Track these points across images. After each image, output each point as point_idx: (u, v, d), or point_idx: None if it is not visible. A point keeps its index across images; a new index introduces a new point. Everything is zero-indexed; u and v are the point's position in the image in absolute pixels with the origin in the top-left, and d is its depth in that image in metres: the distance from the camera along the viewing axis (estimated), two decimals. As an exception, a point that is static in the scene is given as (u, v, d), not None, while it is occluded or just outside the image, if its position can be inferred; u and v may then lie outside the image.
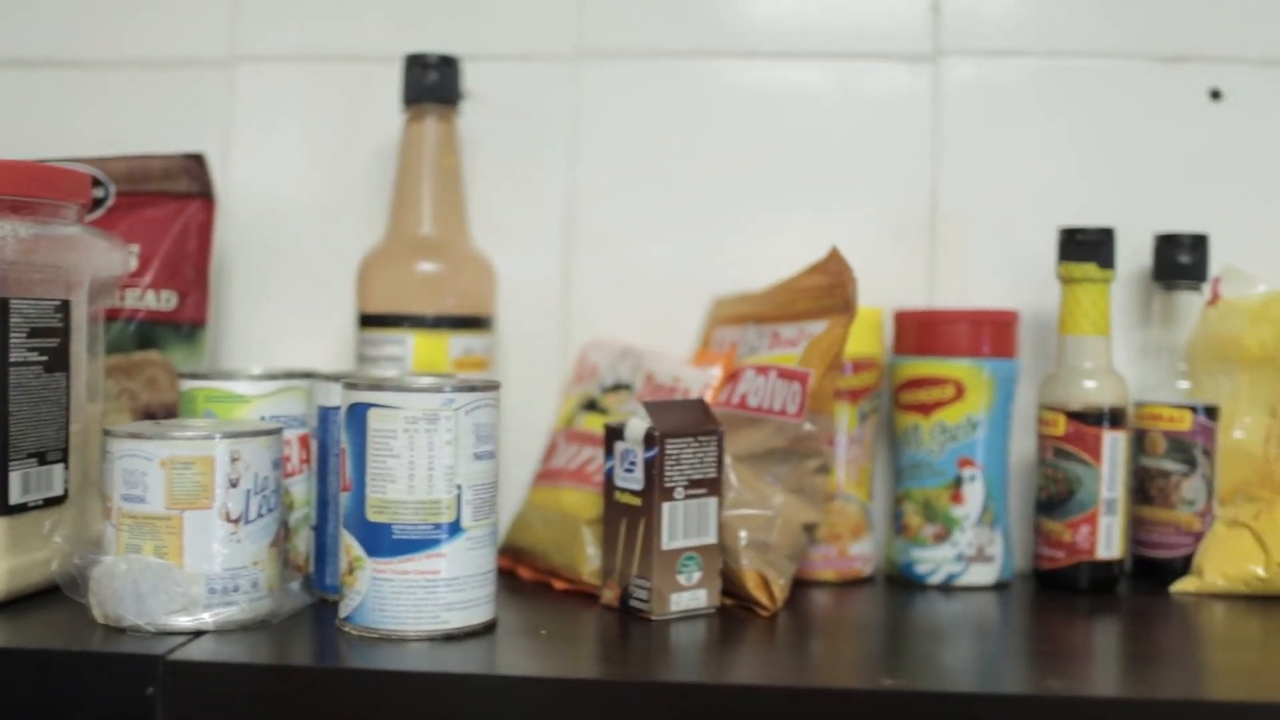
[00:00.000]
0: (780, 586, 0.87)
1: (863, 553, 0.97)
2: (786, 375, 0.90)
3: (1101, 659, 0.82)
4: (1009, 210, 1.04)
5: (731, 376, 0.93)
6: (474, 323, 0.97)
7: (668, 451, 0.83)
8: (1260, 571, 0.93)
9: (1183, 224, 1.01)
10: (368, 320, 0.97)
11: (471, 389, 0.79)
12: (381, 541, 0.78)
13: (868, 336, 0.97)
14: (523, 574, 0.96)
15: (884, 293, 1.03)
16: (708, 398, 0.93)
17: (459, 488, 0.78)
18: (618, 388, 0.98)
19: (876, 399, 0.98)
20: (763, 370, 0.91)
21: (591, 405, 0.98)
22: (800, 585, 0.95)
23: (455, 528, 0.78)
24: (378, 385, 0.79)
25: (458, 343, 0.96)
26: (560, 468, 0.96)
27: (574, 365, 1.03)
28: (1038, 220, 1.01)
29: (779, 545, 0.88)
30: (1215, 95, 1.05)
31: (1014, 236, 1.03)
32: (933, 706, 0.70)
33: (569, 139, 1.07)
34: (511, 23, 1.07)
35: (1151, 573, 0.98)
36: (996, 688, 0.74)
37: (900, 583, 0.97)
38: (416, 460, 0.77)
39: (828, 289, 0.91)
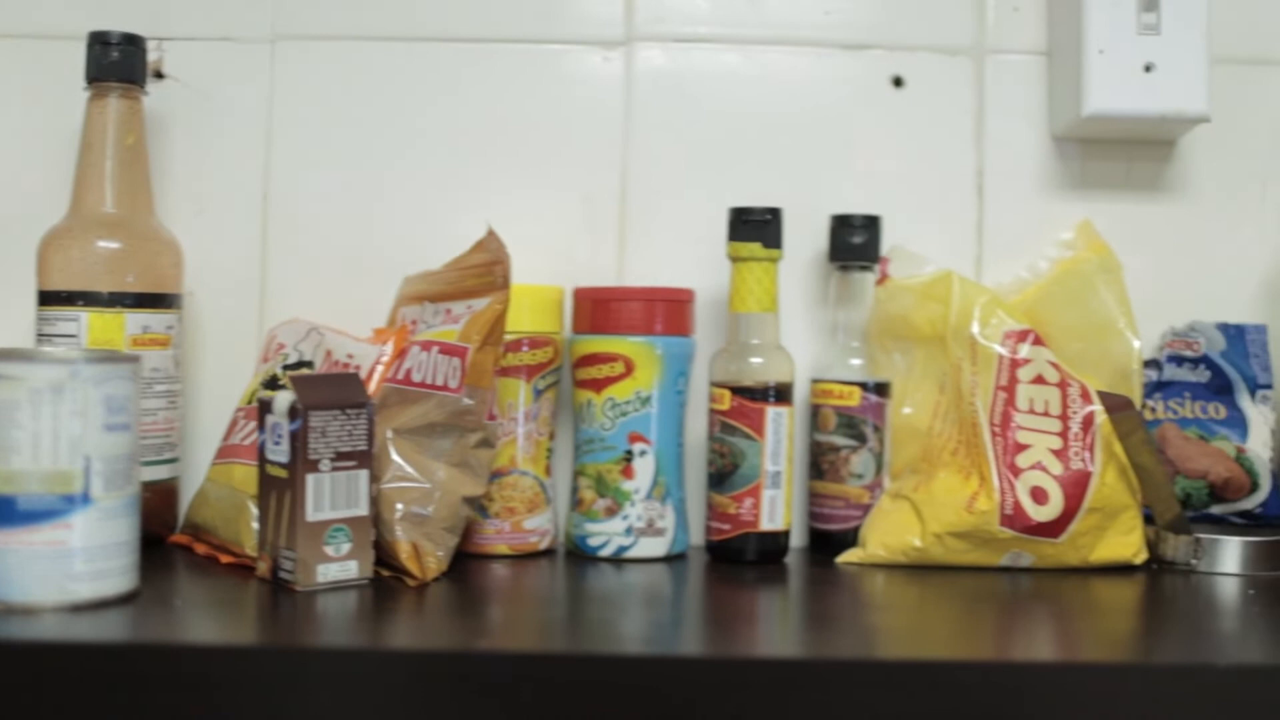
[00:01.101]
0: (437, 558, 0.89)
1: (539, 526, 0.99)
2: (447, 350, 0.91)
3: (762, 624, 0.84)
4: (697, 192, 1.06)
5: (400, 353, 0.95)
6: (154, 300, 0.97)
7: (312, 424, 0.84)
8: (917, 542, 0.96)
9: (866, 206, 1.04)
10: (46, 298, 0.97)
11: (102, 360, 0.79)
12: (7, 513, 0.78)
13: (546, 314, 0.99)
14: (198, 549, 0.96)
15: (576, 272, 1.05)
16: (378, 374, 0.94)
17: (87, 459, 0.78)
18: (299, 365, 0.98)
19: (553, 375, 1.00)
20: (426, 346, 0.93)
21: (272, 383, 0.98)
22: (474, 558, 0.97)
23: (85, 499, 0.78)
24: (2, 356, 0.79)
25: (135, 320, 0.96)
26: (236, 444, 0.96)
27: (263, 344, 1.03)
28: (723, 202, 1.03)
29: (437, 518, 0.89)
30: (898, 82, 1.08)
31: (701, 217, 1.05)
32: (582, 669, 0.71)
33: (265, 120, 1.07)
34: (209, 5, 1.07)
35: (825, 545, 1.01)
36: (637, 650, 0.75)
37: (576, 556, 0.99)
38: (41, 431, 0.78)
39: (487, 266, 0.92)
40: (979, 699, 0.70)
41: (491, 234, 0.93)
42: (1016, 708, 0.70)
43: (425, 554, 0.88)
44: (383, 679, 0.71)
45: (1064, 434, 0.96)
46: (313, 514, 0.85)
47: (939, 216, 1.07)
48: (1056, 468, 0.95)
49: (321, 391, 0.86)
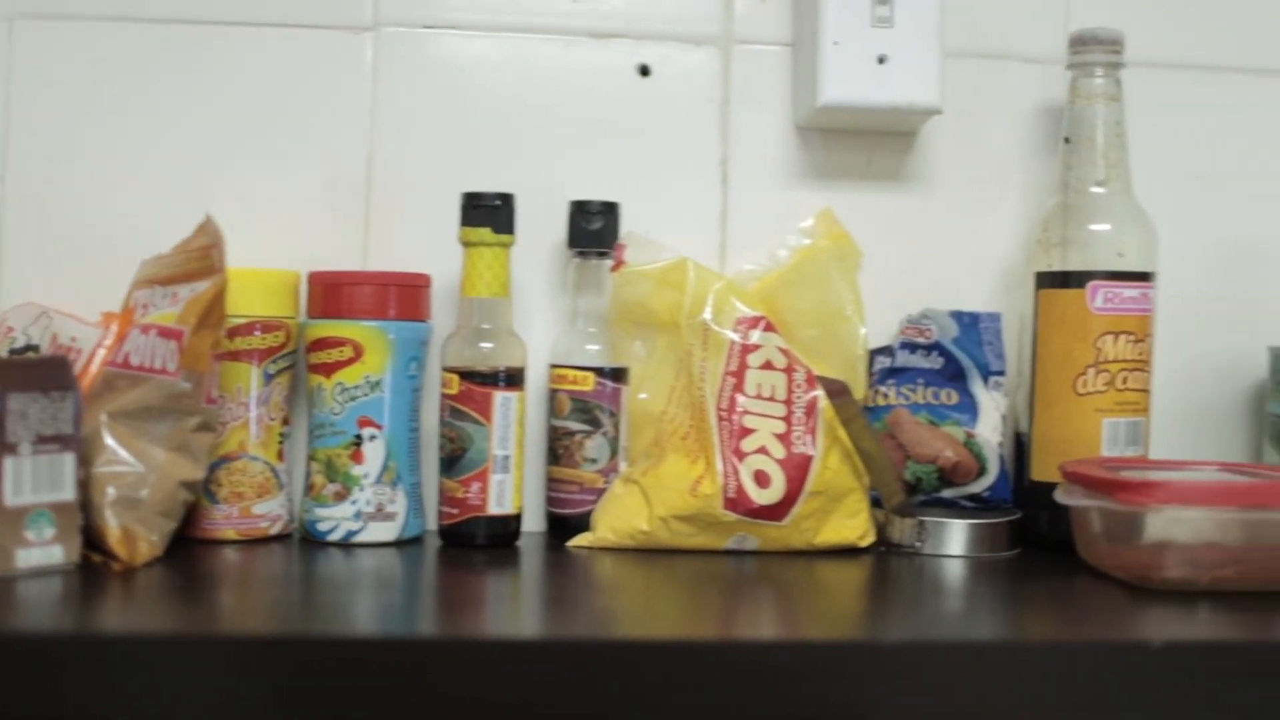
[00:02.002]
0: (150, 543, 0.88)
1: (269, 512, 0.98)
2: (164, 334, 0.91)
3: (484, 606, 0.85)
4: (445, 178, 1.05)
5: (122, 336, 0.94)
6: (-126, 283, 0.95)
7: (10, 407, 0.83)
8: (644, 526, 0.97)
9: (613, 194, 1.05)
10: None
11: None
12: None
13: (279, 298, 0.99)
14: (-85, 536, 0.94)
15: (321, 256, 1.04)
16: (100, 357, 0.93)
17: None
18: (27, 349, 0.97)
19: (286, 360, 0.99)
20: (145, 329, 0.92)
21: (-3, 366, 0.97)
22: (201, 544, 0.96)
23: None
24: None
25: None
26: (-44, 429, 0.95)
27: (-6, 328, 1.02)
28: (471, 188, 1.03)
29: (152, 501, 0.89)
30: (644, 71, 1.08)
31: (448, 203, 1.04)
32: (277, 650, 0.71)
33: (2, 101, 1.05)
34: (-57, -19, 1.05)
35: (562, 529, 1.01)
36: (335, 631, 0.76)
37: (308, 541, 0.99)
38: None
39: (205, 250, 0.92)
40: (702, 677, 0.71)
41: (209, 219, 0.92)
42: (739, 685, 0.71)
43: (137, 538, 0.88)
44: (77, 664, 0.70)
45: (788, 418, 0.97)
46: (11, 498, 0.84)
47: (684, 205, 1.08)
48: (779, 452, 0.97)
49: (22, 374, 0.85)
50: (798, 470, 0.96)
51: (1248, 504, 0.87)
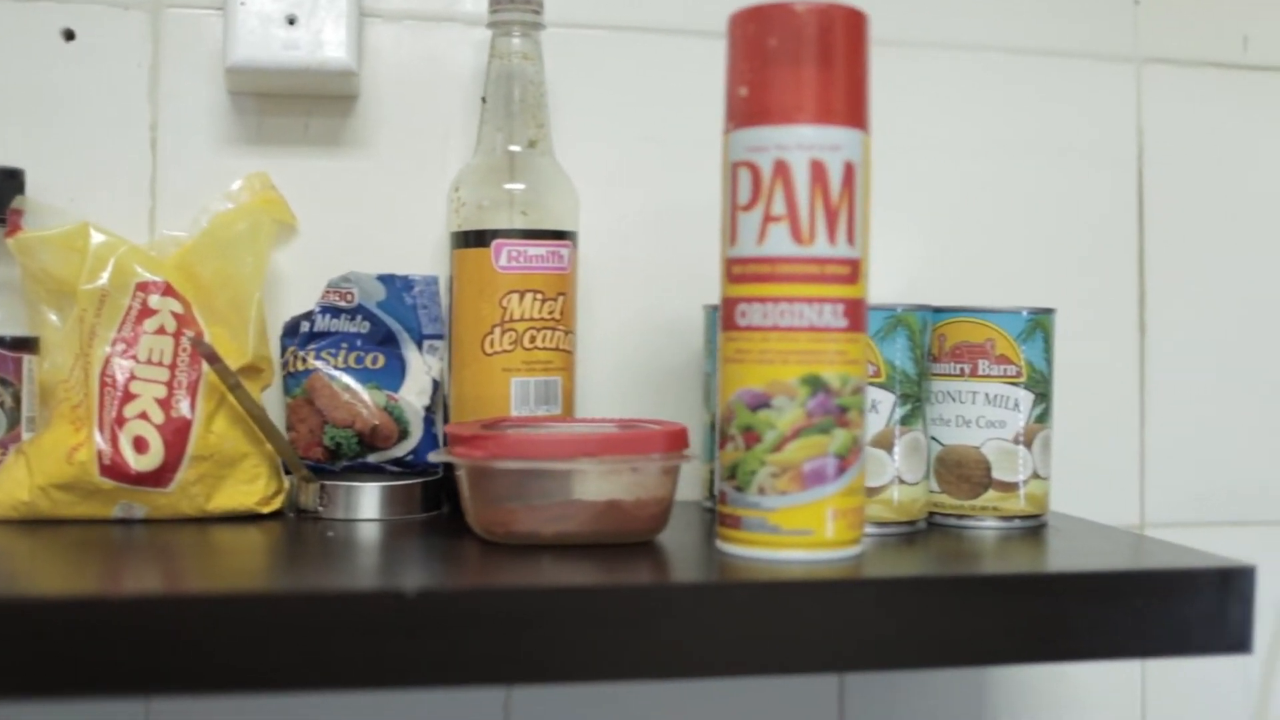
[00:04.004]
0: None
1: None
2: None
3: None
4: None
5: None
6: None
7: None
8: (25, 496, 0.95)
9: (33, 162, 1.03)
10: None
11: None
12: None
13: None
14: None
15: None
16: None
17: None
18: None
19: None
20: None
21: None
22: None
23: None
24: None
25: None
26: None
27: None
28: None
29: None
30: (69, 36, 1.06)
31: None
32: None
33: None
34: None
35: (-39, 504, 0.99)
36: None
37: None
38: None
39: None
40: (88, 634, 0.71)
41: None
42: (117, 641, 0.71)
43: None
44: None
45: (171, 383, 0.96)
46: None
47: (112, 172, 1.06)
48: (159, 417, 0.95)
49: None
50: (176, 435, 0.95)
51: (573, 455, 0.87)
